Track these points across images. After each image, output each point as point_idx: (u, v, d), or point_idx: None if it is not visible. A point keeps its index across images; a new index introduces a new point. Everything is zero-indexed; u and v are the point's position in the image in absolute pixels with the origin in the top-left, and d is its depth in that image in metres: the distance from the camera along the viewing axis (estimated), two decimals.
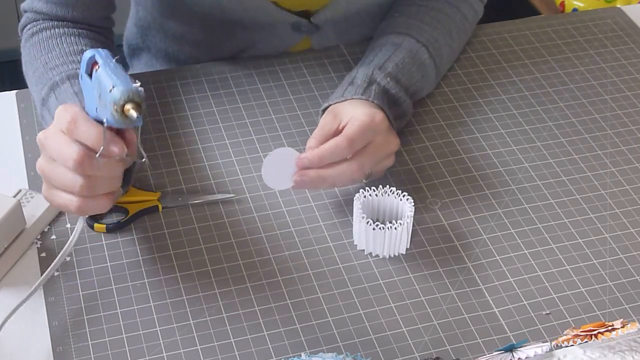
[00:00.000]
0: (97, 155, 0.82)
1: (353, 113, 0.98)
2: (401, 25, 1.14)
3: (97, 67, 0.83)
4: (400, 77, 1.07)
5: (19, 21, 1.12)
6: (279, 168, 0.96)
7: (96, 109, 0.83)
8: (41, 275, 0.93)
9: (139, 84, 0.80)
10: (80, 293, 0.91)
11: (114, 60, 0.84)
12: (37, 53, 1.05)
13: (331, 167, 0.96)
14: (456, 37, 1.16)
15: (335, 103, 1.02)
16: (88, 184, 0.84)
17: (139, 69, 1.32)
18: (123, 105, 0.79)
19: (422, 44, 1.11)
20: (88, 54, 0.85)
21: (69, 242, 0.90)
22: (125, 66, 1.38)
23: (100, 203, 0.86)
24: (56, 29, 1.07)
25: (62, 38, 1.06)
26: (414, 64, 1.09)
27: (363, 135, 0.96)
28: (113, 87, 0.79)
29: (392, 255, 0.96)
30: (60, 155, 0.84)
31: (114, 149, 0.83)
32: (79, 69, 0.99)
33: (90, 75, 0.85)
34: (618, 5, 1.36)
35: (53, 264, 0.90)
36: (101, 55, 0.84)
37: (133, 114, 0.79)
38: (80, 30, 1.07)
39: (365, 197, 0.97)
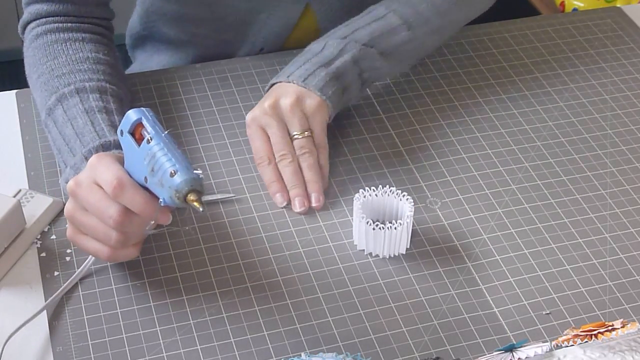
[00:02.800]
0: (147, 227, 0.85)
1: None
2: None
3: (148, 136, 0.82)
4: (338, 31, 1.09)
5: (19, 21, 1.12)
6: None
7: (145, 178, 0.83)
8: (41, 275, 0.93)
9: (200, 171, 0.81)
10: (80, 293, 0.91)
11: (159, 123, 0.84)
12: (42, 57, 1.05)
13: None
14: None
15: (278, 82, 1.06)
16: (122, 239, 0.87)
17: (144, 59, 1.32)
18: (186, 194, 0.80)
19: (390, 10, 1.12)
20: (133, 115, 0.84)
21: (78, 271, 0.92)
22: (128, 60, 1.37)
23: (130, 252, 0.89)
24: (61, 34, 1.07)
25: (67, 44, 1.06)
26: (373, 19, 1.10)
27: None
28: (175, 173, 0.79)
29: (392, 255, 0.96)
30: (98, 212, 0.85)
31: (164, 219, 0.84)
32: (87, 81, 1.00)
33: (132, 135, 0.84)
34: (618, 5, 1.36)
35: (60, 289, 0.91)
36: (149, 121, 0.83)
37: (198, 207, 0.80)
38: (84, 35, 1.07)
39: (365, 197, 0.97)
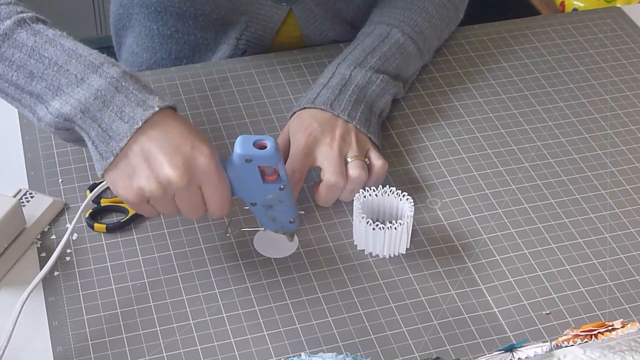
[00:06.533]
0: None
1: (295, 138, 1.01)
2: (375, 15, 1.17)
3: (281, 184, 0.89)
4: (368, 60, 1.09)
5: None
6: (272, 242, 0.97)
7: (254, 203, 0.91)
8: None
9: (303, 212, 0.99)
10: (80, 293, 0.91)
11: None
12: None
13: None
14: (435, 13, 1.17)
15: (301, 109, 1.04)
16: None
17: (125, 54, 1.32)
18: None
19: (392, 26, 1.13)
20: (271, 158, 0.87)
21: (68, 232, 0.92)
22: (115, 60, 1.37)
23: None
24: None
25: None
26: (385, 45, 1.12)
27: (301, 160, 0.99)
28: (294, 221, 0.93)
29: (392, 255, 0.96)
30: (188, 210, 0.88)
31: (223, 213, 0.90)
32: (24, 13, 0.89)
33: (263, 173, 0.88)
34: (618, 5, 1.36)
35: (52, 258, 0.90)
36: (282, 167, 0.88)
37: (293, 240, 0.97)
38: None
39: (365, 197, 0.97)
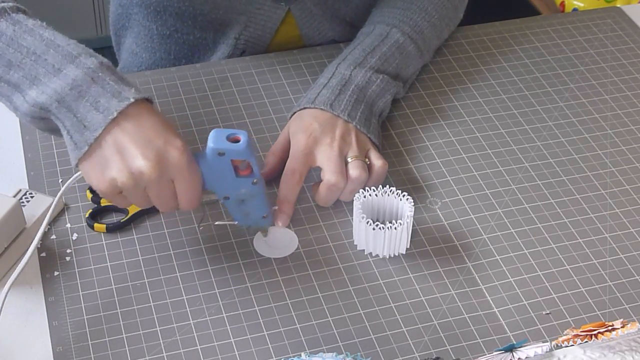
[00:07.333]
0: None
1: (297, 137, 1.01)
2: (374, 15, 1.18)
3: (254, 179, 0.89)
4: (368, 60, 1.09)
5: None
6: (272, 242, 0.97)
7: (227, 197, 0.91)
8: (41, 275, 0.93)
9: (276, 207, 0.97)
10: (80, 293, 0.91)
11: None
12: None
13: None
14: (434, 13, 1.18)
15: (301, 109, 1.04)
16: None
17: (125, 54, 1.32)
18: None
19: (392, 25, 1.14)
20: (244, 153, 0.87)
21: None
22: (115, 62, 1.37)
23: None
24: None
25: None
26: (385, 45, 1.12)
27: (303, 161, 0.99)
28: (266, 217, 0.94)
29: (392, 255, 0.96)
30: (160, 203, 0.88)
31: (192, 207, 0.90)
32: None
33: (236, 168, 0.89)
34: (618, 5, 1.36)
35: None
36: (255, 162, 0.88)
37: (265, 239, 0.96)
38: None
39: (365, 197, 0.97)
